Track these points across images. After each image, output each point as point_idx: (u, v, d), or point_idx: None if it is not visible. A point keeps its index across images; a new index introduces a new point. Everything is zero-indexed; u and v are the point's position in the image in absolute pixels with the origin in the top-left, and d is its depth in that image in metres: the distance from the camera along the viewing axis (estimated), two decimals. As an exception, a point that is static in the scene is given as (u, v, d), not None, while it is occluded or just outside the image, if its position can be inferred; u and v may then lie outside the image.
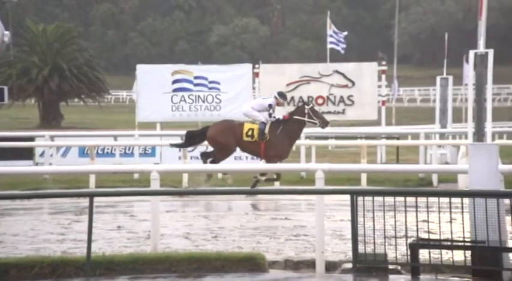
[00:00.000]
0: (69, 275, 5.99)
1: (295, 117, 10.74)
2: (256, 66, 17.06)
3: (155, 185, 6.65)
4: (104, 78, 37.06)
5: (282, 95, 11.27)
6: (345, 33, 25.30)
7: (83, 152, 15.05)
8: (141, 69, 17.42)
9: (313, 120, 10.77)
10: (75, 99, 39.35)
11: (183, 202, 10.55)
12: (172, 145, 11.51)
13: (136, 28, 61.43)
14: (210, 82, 16.77)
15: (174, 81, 16.80)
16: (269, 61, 33.10)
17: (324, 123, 10.85)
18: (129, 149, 15.31)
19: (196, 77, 16.80)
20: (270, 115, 10.74)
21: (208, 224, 8.41)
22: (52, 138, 14.43)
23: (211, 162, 10.69)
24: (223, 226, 8.19)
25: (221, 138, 10.64)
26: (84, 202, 8.24)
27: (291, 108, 13.06)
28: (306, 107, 10.95)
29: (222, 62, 39.40)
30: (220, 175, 11.71)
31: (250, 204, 10.31)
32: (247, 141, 10.62)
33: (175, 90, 16.76)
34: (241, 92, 16.90)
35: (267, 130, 10.60)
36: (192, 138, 10.96)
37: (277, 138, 10.61)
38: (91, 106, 37.99)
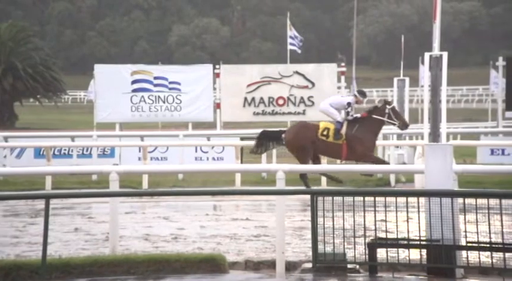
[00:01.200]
0: (23, 279, 5.85)
1: (374, 116, 10.15)
2: (217, 66, 17.03)
3: (114, 187, 6.56)
4: (61, 78, 36.35)
5: (361, 92, 10.73)
6: (301, 38, 25.48)
7: (38, 153, 14.70)
8: (100, 69, 17.16)
9: (392, 121, 10.20)
10: (31, 100, 38.44)
11: (143, 203, 10.45)
12: (252, 152, 10.70)
13: (94, 27, 60.42)
14: (171, 83, 16.66)
15: (134, 82, 16.62)
16: (230, 62, 33.06)
17: (404, 126, 10.28)
18: (87, 150, 15.04)
19: (156, 78, 16.66)
20: (347, 113, 10.18)
21: (168, 226, 8.35)
22: (6, 139, 14.05)
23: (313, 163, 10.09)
24: (183, 227, 8.15)
25: (297, 140, 10.08)
26: (40, 204, 8.06)
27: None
28: (387, 106, 10.24)
29: (183, 62, 39.19)
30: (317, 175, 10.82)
31: (211, 205, 10.29)
32: (323, 141, 10.06)
33: (134, 90, 16.58)
34: (202, 92, 16.86)
35: (343, 130, 10.04)
36: (267, 140, 10.46)
37: (354, 137, 10.00)
38: (47, 106, 37.19)
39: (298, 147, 10.16)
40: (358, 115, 10.36)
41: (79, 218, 9.00)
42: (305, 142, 10.12)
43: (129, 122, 17.12)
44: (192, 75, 16.84)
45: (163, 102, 16.60)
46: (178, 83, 16.63)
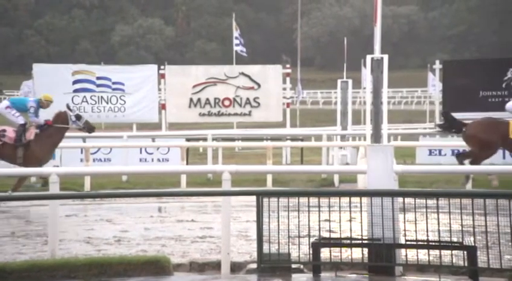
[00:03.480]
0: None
1: None
2: (162, 67, 16.86)
3: (54, 189, 6.38)
4: (-3, 77, 35.01)
5: None
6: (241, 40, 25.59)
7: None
8: (38, 68, 16.69)
9: None
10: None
11: (85, 205, 10.21)
12: (437, 125, 10.81)
13: (32, 25, 58.53)
14: (114, 83, 16.39)
15: (75, 82, 16.24)
16: (174, 62, 32.80)
17: None
18: (26, 152, 14.53)
19: (98, 78, 16.35)
20: None
21: (111, 228, 8.19)
22: None
23: (470, 163, 10.01)
24: (127, 230, 8.02)
25: (483, 136, 10.00)
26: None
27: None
28: None
29: (126, 62, 38.51)
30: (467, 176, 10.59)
31: (155, 207, 10.17)
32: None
33: (76, 91, 16.20)
34: (147, 93, 16.67)
35: None
36: (451, 122, 10.39)
37: None
38: (-17, 106, 35.65)
39: (482, 143, 10.08)
40: None
41: (16, 221, 8.70)
42: (492, 140, 10.08)
43: (71, 122, 16.68)
44: (136, 76, 16.62)
45: (107, 102, 16.31)
46: (122, 84, 16.38)
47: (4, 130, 10.55)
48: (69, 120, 10.69)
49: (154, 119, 17.06)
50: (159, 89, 16.88)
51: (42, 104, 10.87)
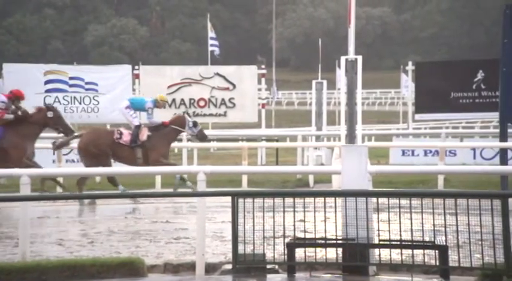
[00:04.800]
0: None
1: None
2: (136, 67, 16.73)
3: (25, 190, 6.27)
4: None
5: None
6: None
7: None
8: (9, 68, 16.40)
9: None
10: None
11: (57, 207, 10.06)
12: None
13: (2, 25, 57.45)
14: (87, 83, 16.19)
15: (47, 82, 16.01)
16: (149, 62, 32.60)
17: None
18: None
19: (71, 78, 16.14)
20: None
21: (84, 230, 8.09)
22: None
23: None
24: (100, 231, 7.93)
25: None
26: None
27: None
28: None
29: (100, 62, 38.09)
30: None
31: (130, 208, 10.08)
32: None
33: (48, 91, 15.96)
34: (121, 93, 16.50)
35: None
36: None
37: None
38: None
39: None
40: None
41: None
42: None
43: (43, 123, 16.42)
44: (110, 76, 16.45)
45: (80, 103, 16.11)
46: (96, 84, 16.19)
47: (121, 132, 10.78)
48: (186, 125, 10.97)
49: (128, 119, 16.91)
50: (134, 90, 16.74)
51: (158, 104, 11.18)
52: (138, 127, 10.83)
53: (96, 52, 55.70)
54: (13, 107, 10.41)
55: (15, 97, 10.65)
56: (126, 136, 10.73)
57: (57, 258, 6.31)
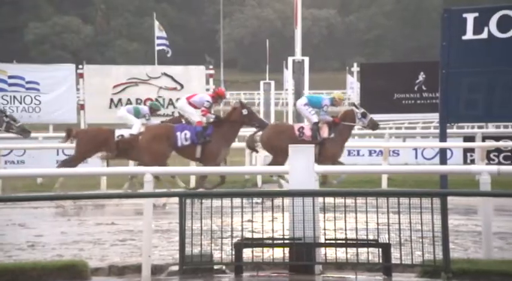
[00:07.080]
0: None
1: None
2: (80, 66, 16.35)
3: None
4: None
5: None
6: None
7: None
8: None
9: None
10: None
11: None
12: None
13: None
14: (28, 82, 15.72)
15: (-16, 81, 15.43)
16: (94, 61, 31.90)
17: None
18: None
19: (10, 77, 15.64)
20: None
21: (24, 233, 7.84)
22: None
23: None
24: (42, 234, 7.71)
25: None
26: None
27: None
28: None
29: (41, 61, 36.89)
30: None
31: (73, 210, 9.85)
32: None
33: (-15, 90, 15.40)
34: (64, 93, 16.12)
35: None
36: None
37: None
38: None
39: None
40: None
41: None
42: None
43: (-19, 123, 15.81)
44: (52, 75, 16.02)
45: (20, 103, 15.62)
46: (37, 83, 15.73)
47: (302, 128, 10.76)
48: (355, 118, 10.84)
49: (72, 119, 16.52)
50: (78, 89, 16.36)
51: (335, 102, 11.10)
52: (317, 124, 10.79)
53: (37, 50, 54.00)
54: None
55: (218, 96, 10.56)
56: (308, 131, 10.72)
57: (-5, 263, 6.11)
